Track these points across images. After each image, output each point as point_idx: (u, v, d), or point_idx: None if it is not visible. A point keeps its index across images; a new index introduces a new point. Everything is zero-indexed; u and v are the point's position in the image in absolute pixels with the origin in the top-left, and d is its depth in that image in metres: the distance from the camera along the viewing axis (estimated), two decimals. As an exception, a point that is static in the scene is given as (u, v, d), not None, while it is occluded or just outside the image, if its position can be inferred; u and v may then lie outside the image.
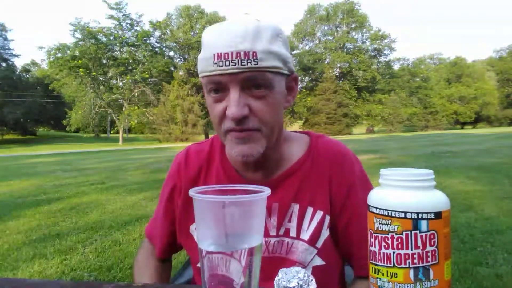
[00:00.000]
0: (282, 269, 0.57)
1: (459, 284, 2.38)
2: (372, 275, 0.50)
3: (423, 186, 0.48)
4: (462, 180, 5.96)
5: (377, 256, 0.49)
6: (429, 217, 0.46)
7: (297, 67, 45.14)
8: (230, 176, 0.85)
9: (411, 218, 0.46)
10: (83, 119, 35.50)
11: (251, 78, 0.68)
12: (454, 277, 2.46)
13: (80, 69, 32.18)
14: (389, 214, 0.47)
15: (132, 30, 35.97)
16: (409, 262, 0.46)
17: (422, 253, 0.46)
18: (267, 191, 0.52)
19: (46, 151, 22.46)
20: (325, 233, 0.80)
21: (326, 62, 48.52)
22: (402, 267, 0.47)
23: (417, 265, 0.46)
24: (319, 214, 0.80)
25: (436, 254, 0.46)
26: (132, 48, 36.23)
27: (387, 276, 0.48)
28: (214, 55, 0.67)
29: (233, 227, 0.50)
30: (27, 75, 45.57)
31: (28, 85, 40.66)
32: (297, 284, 0.54)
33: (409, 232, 0.46)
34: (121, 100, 36.02)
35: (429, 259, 0.46)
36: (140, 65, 35.71)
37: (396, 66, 52.25)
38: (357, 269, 0.83)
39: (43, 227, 4.07)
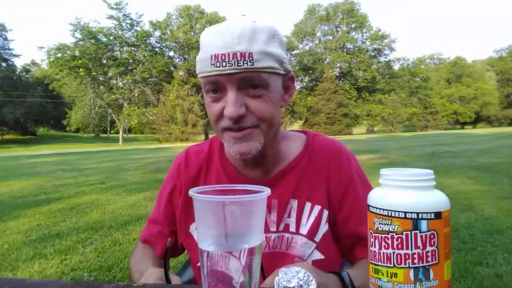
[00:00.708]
0: (282, 269, 0.57)
1: (459, 284, 2.38)
2: (372, 275, 0.50)
3: (423, 186, 0.48)
4: (462, 180, 5.97)
5: (377, 256, 0.49)
6: (429, 217, 0.46)
7: (297, 67, 45.21)
8: (230, 175, 0.86)
9: (411, 218, 0.46)
10: (83, 119, 35.50)
11: (248, 79, 0.70)
12: (454, 277, 2.46)
13: (80, 69, 32.21)
14: (389, 214, 0.47)
15: (132, 30, 36.01)
16: (409, 262, 0.46)
17: (422, 253, 0.46)
18: (267, 191, 0.52)
19: (46, 151, 22.47)
20: (324, 228, 0.82)
21: (326, 62, 48.50)
22: (402, 267, 0.47)
23: (417, 265, 0.46)
24: (317, 208, 0.82)
25: (436, 254, 0.46)
26: (132, 48, 36.26)
27: (387, 276, 0.48)
28: (211, 56, 0.69)
29: (233, 227, 0.50)
30: (27, 75, 45.51)
31: (28, 85, 40.61)
32: (297, 284, 0.54)
33: (409, 232, 0.46)
34: (121, 100, 36.05)
35: (429, 259, 0.46)
36: (140, 65, 35.73)
37: (396, 66, 52.42)
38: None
39: (43, 227, 4.07)
